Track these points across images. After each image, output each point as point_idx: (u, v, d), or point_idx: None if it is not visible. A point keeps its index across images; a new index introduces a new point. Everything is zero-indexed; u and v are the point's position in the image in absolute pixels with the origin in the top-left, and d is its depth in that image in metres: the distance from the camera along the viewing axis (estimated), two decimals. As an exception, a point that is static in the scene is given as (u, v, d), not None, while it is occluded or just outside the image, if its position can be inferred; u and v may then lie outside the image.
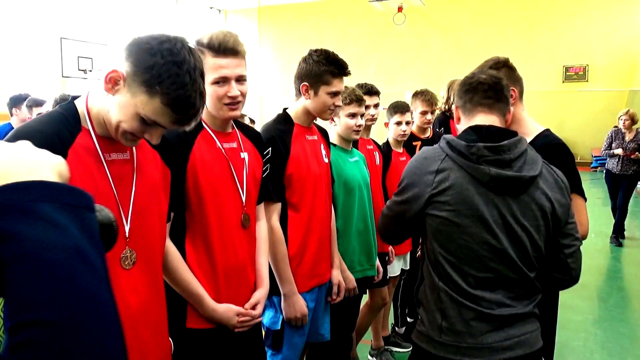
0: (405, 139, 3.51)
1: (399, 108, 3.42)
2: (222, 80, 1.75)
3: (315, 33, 19.03)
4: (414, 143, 3.92)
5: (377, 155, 3.28)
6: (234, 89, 1.76)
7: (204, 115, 1.79)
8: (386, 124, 3.52)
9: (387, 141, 3.53)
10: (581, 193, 2.08)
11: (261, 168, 2.00)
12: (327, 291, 2.40)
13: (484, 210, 1.56)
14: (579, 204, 2.05)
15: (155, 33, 1.38)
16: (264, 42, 20.15)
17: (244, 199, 1.85)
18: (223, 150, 1.82)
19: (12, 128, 4.88)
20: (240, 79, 1.79)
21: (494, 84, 1.75)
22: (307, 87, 2.24)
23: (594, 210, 10.38)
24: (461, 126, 1.80)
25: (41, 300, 0.52)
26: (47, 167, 0.62)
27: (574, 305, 4.74)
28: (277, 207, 2.15)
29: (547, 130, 2.20)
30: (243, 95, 1.78)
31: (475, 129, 1.68)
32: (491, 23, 17.05)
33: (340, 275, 2.44)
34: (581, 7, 16.20)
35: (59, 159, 0.64)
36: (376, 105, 3.21)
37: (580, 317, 4.63)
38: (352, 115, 2.68)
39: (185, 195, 1.73)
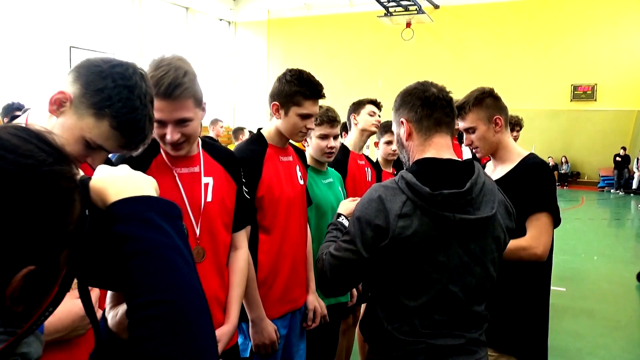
0: (395, 158, 3.44)
1: (388, 127, 3.36)
2: (159, 123, 1.61)
3: (323, 47, 19.10)
4: (407, 162, 3.88)
5: (368, 171, 3.15)
6: (171, 133, 1.63)
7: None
8: (376, 144, 3.46)
9: (377, 161, 3.47)
10: (550, 210, 2.10)
11: (234, 193, 1.90)
12: (302, 317, 2.33)
13: (445, 258, 1.51)
14: (544, 222, 2.08)
15: (107, 57, 1.33)
16: (272, 54, 20.24)
17: (197, 230, 1.73)
18: (177, 176, 1.71)
19: None
20: (181, 122, 1.63)
21: (450, 101, 1.64)
22: (278, 106, 2.15)
23: (598, 232, 10.22)
24: (413, 145, 1.63)
25: (160, 285, 0.71)
26: (148, 184, 0.82)
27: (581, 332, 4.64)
28: (247, 230, 2.08)
29: (531, 154, 2.27)
30: (185, 135, 1.64)
31: (431, 163, 1.58)
32: (499, 41, 17.00)
33: (317, 301, 2.37)
34: (590, 26, 16.12)
35: (152, 178, 0.85)
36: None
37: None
38: (324, 137, 2.59)
39: None
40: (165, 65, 1.57)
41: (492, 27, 17.12)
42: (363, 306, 3.10)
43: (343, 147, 3.05)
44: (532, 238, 2.07)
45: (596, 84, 16.37)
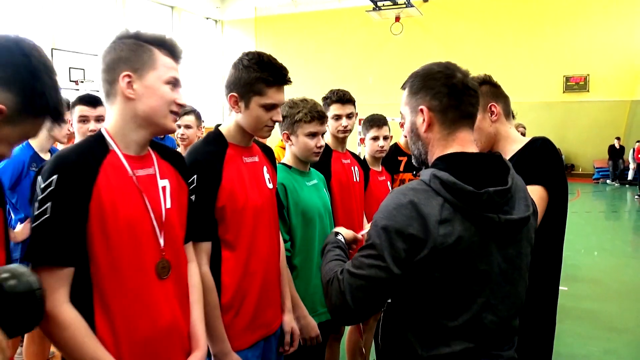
0: (383, 155, 3.15)
1: (375, 122, 3.09)
2: (175, 82, 1.49)
3: (312, 43, 18.87)
4: (400, 158, 3.57)
5: (355, 170, 2.85)
6: (182, 96, 1.51)
7: (112, 132, 1.46)
8: (362, 140, 3.18)
9: (364, 159, 3.18)
10: (543, 184, 1.88)
11: (186, 197, 1.63)
12: (279, 341, 2.05)
13: (487, 267, 1.32)
14: (537, 192, 1.83)
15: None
16: (260, 53, 19.97)
17: (162, 240, 1.47)
18: (135, 178, 1.45)
19: None
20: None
21: (478, 90, 1.44)
22: (237, 98, 1.84)
23: (596, 225, 10.00)
24: (433, 138, 1.42)
25: None
26: None
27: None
28: (207, 247, 1.78)
29: (535, 137, 2.05)
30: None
31: (461, 158, 1.37)
32: (490, 32, 16.83)
33: (294, 322, 2.07)
34: (582, 16, 15.97)
35: None
36: (350, 115, 2.81)
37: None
38: (312, 135, 2.32)
39: (89, 243, 1.35)
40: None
41: (482, 19, 16.95)
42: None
43: (325, 147, 2.77)
44: None
45: (588, 75, 16.23)
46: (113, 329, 1.38)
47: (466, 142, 1.41)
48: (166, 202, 1.51)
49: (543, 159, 1.92)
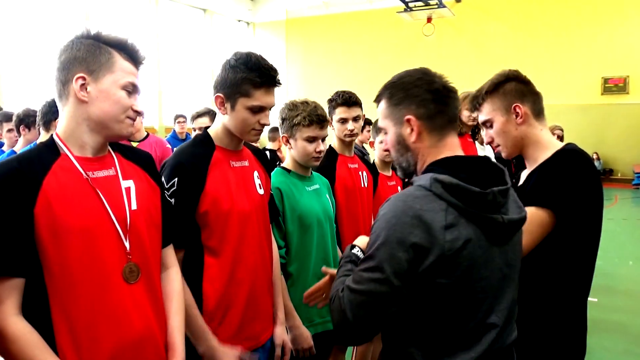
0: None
1: (385, 125, 2.98)
2: (132, 89, 1.44)
3: (342, 45, 18.79)
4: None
5: (363, 175, 2.74)
6: (140, 103, 1.46)
7: (64, 135, 1.40)
8: (371, 144, 3.08)
9: (373, 162, 3.07)
10: (546, 205, 1.72)
11: (159, 199, 1.57)
12: (269, 354, 1.96)
13: (489, 272, 1.29)
14: (534, 220, 1.67)
15: None
16: (291, 54, 19.99)
17: (127, 243, 1.41)
18: (90, 180, 1.37)
19: None
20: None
21: (457, 92, 1.41)
22: (222, 99, 1.77)
23: (633, 233, 9.57)
24: (422, 147, 1.38)
25: None
26: None
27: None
28: (180, 254, 1.71)
29: (570, 144, 1.86)
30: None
31: (455, 161, 1.34)
32: (524, 33, 16.41)
33: (285, 334, 1.98)
34: (620, 14, 15.41)
35: None
36: (356, 118, 2.69)
37: None
38: (312, 140, 2.23)
39: (40, 250, 1.29)
40: None
41: (516, 19, 16.54)
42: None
43: (330, 150, 2.67)
44: None
45: (628, 76, 15.64)
46: (75, 340, 1.32)
47: (455, 147, 1.38)
48: (131, 204, 1.44)
49: (558, 176, 1.74)
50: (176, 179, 1.69)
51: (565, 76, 15.79)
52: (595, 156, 16.63)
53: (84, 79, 1.37)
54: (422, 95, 1.35)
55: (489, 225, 1.27)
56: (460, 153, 1.37)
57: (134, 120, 1.45)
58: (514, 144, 1.86)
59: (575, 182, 1.73)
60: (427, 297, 1.26)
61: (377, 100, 1.46)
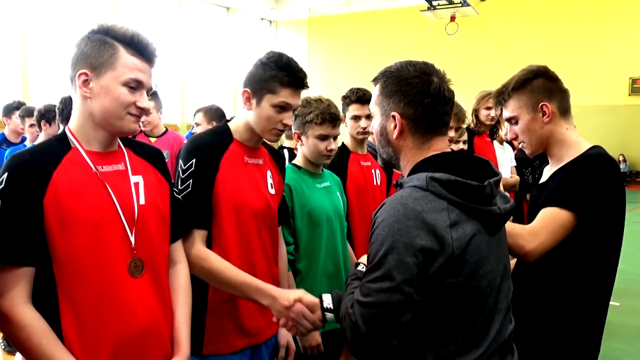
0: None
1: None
2: (136, 85, 1.42)
3: (365, 44, 18.74)
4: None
5: (376, 173, 2.71)
6: (145, 99, 1.44)
7: (74, 129, 1.42)
8: (387, 142, 3.05)
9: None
10: (568, 207, 1.70)
11: (167, 194, 1.58)
12: (272, 352, 1.95)
13: (491, 266, 1.28)
14: (552, 219, 1.68)
15: None
16: (313, 53, 20.00)
17: (132, 238, 1.42)
18: (99, 174, 1.39)
19: (4, 138, 4.74)
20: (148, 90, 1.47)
21: (453, 95, 1.35)
22: (249, 94, 1.78)
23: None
24: (404, 145, 1.35)
25: None
26: None
27: None
28: (202, 234, 1.72)
29: (596, 146, 1.83)
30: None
31: (443, 157, 1.32)
32: (549, 32, 16.14)
33: (290, 335, 1.95)
34: (651, 15, 15.05)
35: None
36: (369, 116, 2.67)
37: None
38: (323, 138, 2.22)
39: (49, 241, 1.31)
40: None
41: (541, 18, 16.29)
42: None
43: (342, 147, 2.65)
44: (530, 229, 1.68)
45: (658, 77, 15.30)
46: (80, 329, 1.34)
47: (441, 148, 1.35)
48: (139, 199, 1.45)
49: (582, 178, 1.72)
50: (194, 160, 1.71)
51: (591, 76, 15.49)
52: (621, 158, 16.28)
53: (86, 75, 1.38)
54: (414, 95, 1.31)
55: (488, 218, 1.26)
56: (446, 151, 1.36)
57: (137, 116, 1.44)
58: (539, 142, 1.84)
59: (600, 188, 1.71)
60: (437, 298, 1.23)
61: (374, 82, 1.43)
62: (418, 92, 1.31)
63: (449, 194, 1.21)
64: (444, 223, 1.19)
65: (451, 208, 1.21)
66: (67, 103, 2.96)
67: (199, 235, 1.72)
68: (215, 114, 3.87)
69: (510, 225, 1.65)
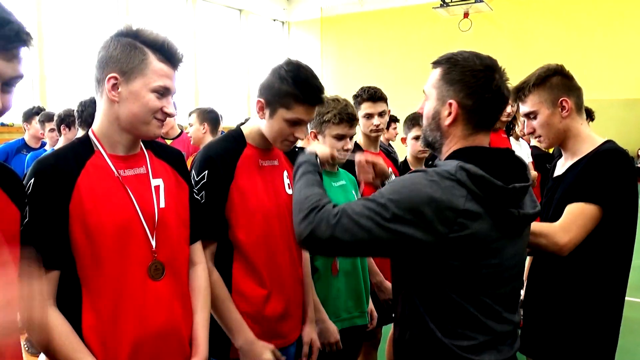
0: (426, 155, 3.02)
1: (417, 120, 2.95)
2: (164, 91, 1.45)
3: (378, 42, 18.67)
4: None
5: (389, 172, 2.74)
6: (171, 105, 1.47)
7: (98, 132, 1.44)
8: (403, 140, 3.06)
9: (405, 159, 3.05)
10: (599, 202, 1.78)
11: (187, 197, 1.60)
12: (296, 351, 1.96)
13: (500, 260, 1.34)
14: (581, 213, 1.77)
15: None
16: (326, 52, 19.99)
17: (153, 242, 1.44)
18: (121, 179, 1.42)
19: (25, 143, 4.80)
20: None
21: (509, 95, 1.44)
22: (263, 105, 1.78)
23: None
24: (452, 133, 1.40)
25: None
26: None
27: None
28: (211, 247, 1.73)
29: (609, 141, 1.91)
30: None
31: (480, 152, 1.37)
32: (564, 26, 15.93)
33: (314, 332, 1.98)
34: (669, 6, 14.79)
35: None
36: (382, 114, 2.68)
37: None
38: (340, 137, 2.22)
39: (73, 245, 1.34)
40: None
41: (556, 12, 16.08)
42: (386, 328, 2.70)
43: (355, 146, 2.66)
44: (560, 226, 1.75)
45: (678, 70, 15.02)
46: (101, 330, 1.37)
47: (483, 142, 1.41)
48: (159, 202, 1.47)
49: (604, 173, 1.79)
50: (206, 172, 1.71)
51: (608, 70, 15.27)
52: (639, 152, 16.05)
53: (116, 79, 1.40)
54: (477, 88, 1.35)
55: (504, 217, 1.30)
56: (486, 145, 1.40)
57: (163, 121, 1.47)
58: (556, 136, 1.93)
59: (620, 180, 1.80)
60: (440, 276, 1.31)
61: (435, 65, 1.44)
62: (481, 85, 1.35)
63: (473, 185, 1.26)
64: (456, 206, 1.24)
65: (469, 197, 1.26)
66: (86, 106, 3.00)
67: (208, 248, 1.74)
68: (209, 117, 3.91)
69: (539, 225, 1.73)
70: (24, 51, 1.11)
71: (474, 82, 1.35)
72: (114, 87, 1.39)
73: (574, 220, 1.76)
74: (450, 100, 1.37)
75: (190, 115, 4.06)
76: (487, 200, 1.27)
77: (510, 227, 1.34)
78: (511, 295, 1.40)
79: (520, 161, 1.41)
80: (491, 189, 1.26)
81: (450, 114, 1.37)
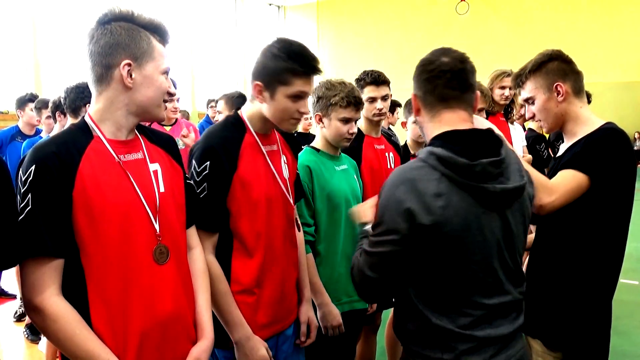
0: (426, 140, 3.00)
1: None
2: (168, 72, 1.48)
3: (375, 26, 18.54)
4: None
5: (390, 156, 2.73)
6: (171, 84, 1.49)
7: (97, 118, 1.42)
8: (404, 124, 3.04)
9: (405, 144, 3.03)
10: (583, 170, 1.84)
11: (182, 180, 1.59)
12: (295, 332, 1.97)
13: (487, 235, 1.41)
14: (571, 178, 1.84)
15: None
16: (322, 36, 19.86)
17: (157, 226, 1.43)
18: (121, 164, 1.40)
19: (19, 130, 4.76)
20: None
21: (459, 72, 1.50)
22: (261, 88, 1.74)
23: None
24: (423, 120, 1.57)
25: None
26: None
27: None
28: (213, 238, 1.73)
29: (609, 123, 1.97)
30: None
31: (453, 134, 1.47)
32: (563, 9, 15.83)
33: (311, 311, 1.99)
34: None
35: None
36: (385, 98, 2.67)
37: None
38: (346, 121, 2.22)
39: (76, 232, 1.32)
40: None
41: (555, -5, 15.97)
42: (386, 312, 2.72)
43: (357, 131, 2.66)
44: (547, 186, 1.81)
45: (675, 52, 14.98)
46: (110, 318, 1.36)
47: (454, 122, 1.49)
48: (159, 187, 1.46)
49: (599, 148, 1.86)
50: (208, 162, 1.69)
51: (606, 53, 15.23)
52: (637, 135, 16.05)
53: (129, 65, 1.38)
54: (419, 74, 1.54)
55: (480, 193, 1.38)
56: (461, 126, 1.48)
57: (166, 102, 1.48)
58: (555, 120, 1.98)
59: (614, 158, 1.84)
60: (427, 258, 1.40)
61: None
62: (421, 72, 1.55)
63: (443, 167, 1.37)
64: (431, 191, 1.35)
65: (442, 179, 1.37)
66: (69, 92, 2.94)
67: (210, 240, 1.73)
68: (238, 102, 3.84)
69: (537, 177, 1.78)
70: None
71: (417, 72, 1.55)
72: (128, 73, 1.38)
73: (560, 184, 1.83)
74: (413, 93, 1.58)
75: (217, 102, 4.01)
76: (458, 179, 1.37)
77: (492, 202, 1.41)
78: (503, 266, 1.46)
79: (495, 139, 1.50)
80: (458, 168, 1.37)
81: (415, 106, 1.58)
